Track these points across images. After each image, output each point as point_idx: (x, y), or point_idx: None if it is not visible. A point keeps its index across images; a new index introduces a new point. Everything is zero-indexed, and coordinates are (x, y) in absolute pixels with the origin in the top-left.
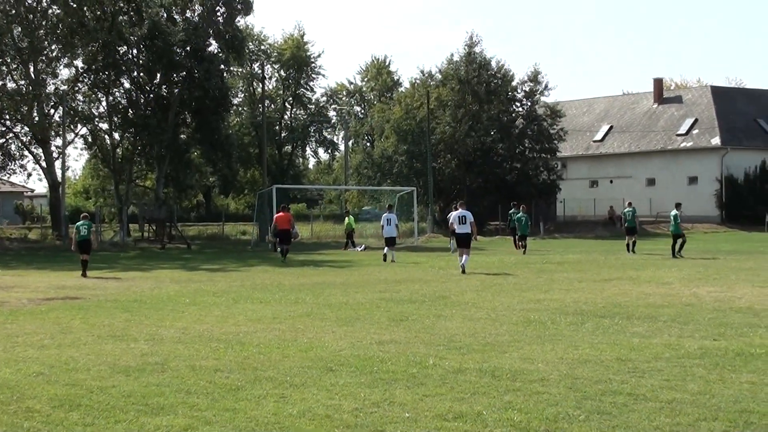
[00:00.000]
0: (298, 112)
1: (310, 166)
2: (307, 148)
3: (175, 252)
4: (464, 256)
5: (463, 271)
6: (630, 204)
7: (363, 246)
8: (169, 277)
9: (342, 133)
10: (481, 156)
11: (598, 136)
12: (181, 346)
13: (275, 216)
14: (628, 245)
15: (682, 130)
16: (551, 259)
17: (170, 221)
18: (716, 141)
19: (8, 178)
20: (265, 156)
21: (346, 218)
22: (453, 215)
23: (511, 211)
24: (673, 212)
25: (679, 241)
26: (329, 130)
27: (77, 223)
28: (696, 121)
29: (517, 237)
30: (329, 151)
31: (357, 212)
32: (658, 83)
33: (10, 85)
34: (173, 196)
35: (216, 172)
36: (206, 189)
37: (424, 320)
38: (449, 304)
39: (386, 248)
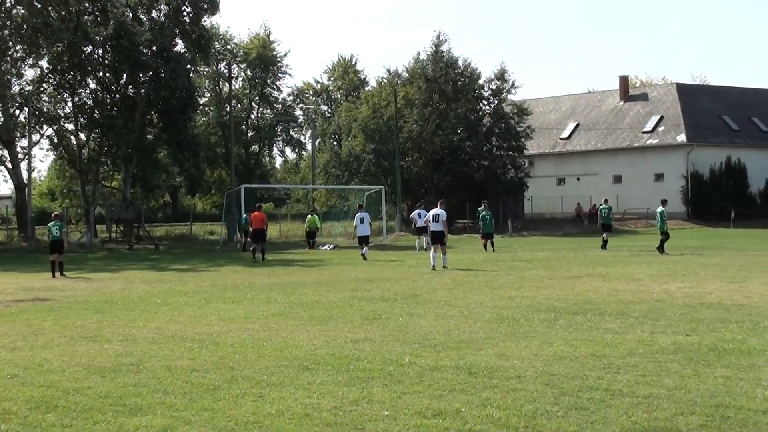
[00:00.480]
0: (264, 111)
1: (277, 165)
2: (274, 148)
3: (143, 252)
4: (440, 254)
5: (439, 268)
6: (606, 201)
7: (332, 245)
8: (139, 277)
9: (309, 133)
10: (449, 154)
11: (565, 134)
12: (156, 346)
13: (250, 215)
14: (604, 241)
15: (648, 127)
16: (521, 257)
17: (137, 222)
18: (682, 138)
19: None
20: (233, 156)
21: (309, 216)
22: (429, 213)
23: (479, 208)
24: (660, 209)
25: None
26: (296, 129)
27: (48, 224)
28: (662, 118)
29: (481, 235)
30: (296, 150)
31: (325, 211)
32: (624, 81)
33: None
34: (140, 196)
35: (183, 172)
36: (173, 189)
37: (398, 318)
38: (421, 302)
39: (361, 247)
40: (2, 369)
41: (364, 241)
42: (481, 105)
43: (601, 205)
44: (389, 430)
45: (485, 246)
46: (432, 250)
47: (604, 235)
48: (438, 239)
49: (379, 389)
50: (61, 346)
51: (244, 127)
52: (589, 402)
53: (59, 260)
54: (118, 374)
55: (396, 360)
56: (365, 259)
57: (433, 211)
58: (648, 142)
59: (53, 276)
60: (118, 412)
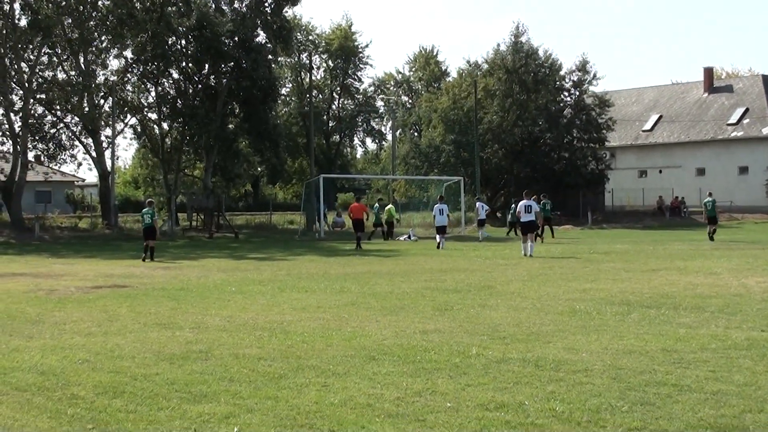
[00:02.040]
0: (345, 102)
1: (358, 155)
2: (355, 138)
3: (222, 241)
4: (529, 243)
5: (526, 255)
6: (710, 194)
7: (413, 235)
8: (216, 265)
9: (389, 123)
10: (529, 146)
11: (647, 126)
12: (226, 334)
13: (351, 206)
14: (709, 234)
15: (733, 119)
16: (598, 249)
17: (218, 210)
18: (767, 131)
19: (59, 167)
20: (313, 145)
21: (386, 207)
22: (520, 204)
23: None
24: (708, 199)
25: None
26: (377, 120)
27: (142, 211)
28: (747, 110)
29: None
30: (376, 140)
31: (404, 201)
32: (709, 72)
33: (61, 75)
34: (221, 185)
35: (264, 161)
36: (254, 178)
37: (469, 310)
38: (494, 293)
39: (438, 236)
40: (74, 354)
41: (441, 231)
42: (562, 96)
43: (706, 198)
44: (451, 422)
45: (535, 236)
46: (522, 240)
47: (709, 227)
48: (530, 229)
49: (444, 381)
50: (133, 332)
51: (325, 117)
52: (655, 397)
53: (151, 245)
54: (187, 361)
55: (463, 351)
56: (438, 248)
57: (523, 203)
58: (732, 134)
59: (143, 260)
60: (183, 399)
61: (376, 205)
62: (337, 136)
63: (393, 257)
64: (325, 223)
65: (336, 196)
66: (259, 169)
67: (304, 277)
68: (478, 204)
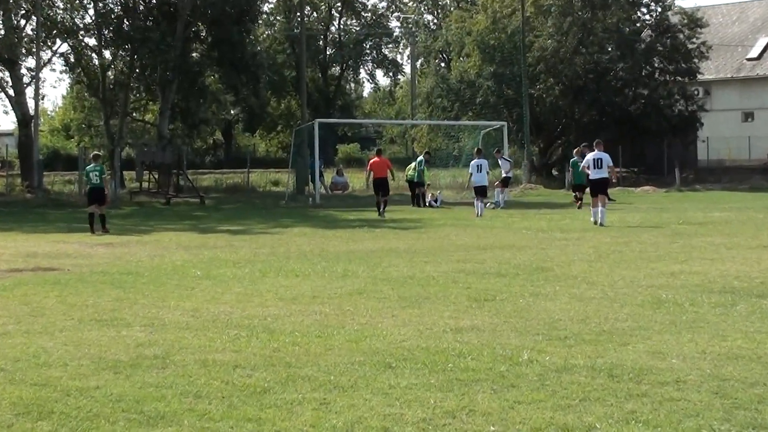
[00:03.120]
0: (349, 22)
1: (365, 94)
2: (361, 71)
3: (183, 208)
4: (600, 208)
5: (597, 223)
6: None
7: (440, 199)
8: (176, 241)
9: (407, 51)
10: (595, 80)
11: (754, 53)
12: (190, 334)
13: (370, 161)
14: None
15: None
16: (690, 218)
17: (178, 168)
18: None
19: None
20: (305, 80)
21: (415, 165)
22: (588, 157)
23: (572, 159)
24: None
25: None
26: (391, 46)
27: (86, 168)
28: None
29: (572, 189)
30: (391, 74)
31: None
32: None
33: None
34: (182, 134)
35: (239, 102)
36: (226, 125)
37: (517, 300)
38: (551, 278)
39: (476, 201)
40: None
41: (480, 193)
42: (638, 13)
43: None
44: None
45: (579, 203)
46: (592, 204)
47: None
48: (602, 189)
49: (486, 396)
50: (65, 331)
51: (321, 43)
52: None
53: (100, 212)
54: (138, 370)
55: (510, 357)
56: (478, 215)
57: (591, 155)
58: None
59: (92, 232)
60: (133, 422)
61: (421, 158)
62: (338, 68)
63: (414, 229)
64: (322, 183)
65: (336, 148)
66: (232, 112)
67: (294, 256)
68: (500, 160)
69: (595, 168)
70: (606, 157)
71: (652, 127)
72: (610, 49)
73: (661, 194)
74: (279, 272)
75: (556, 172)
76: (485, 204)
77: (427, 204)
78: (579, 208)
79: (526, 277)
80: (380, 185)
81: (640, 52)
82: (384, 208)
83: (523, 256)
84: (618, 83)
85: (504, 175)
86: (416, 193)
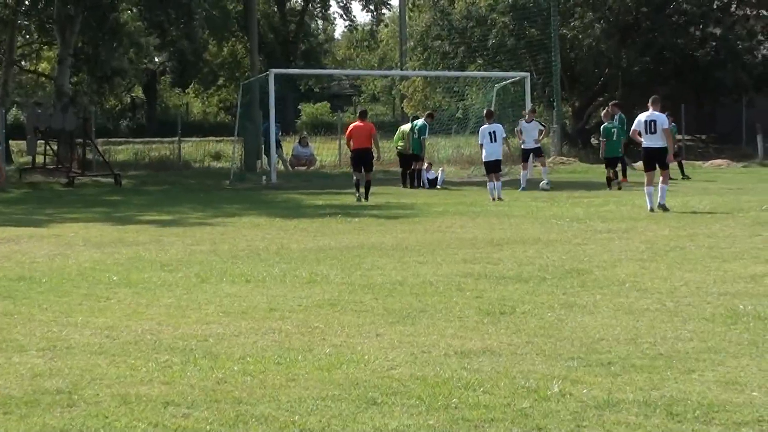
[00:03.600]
0: None
1: (337, 35)
2: (332, 2)
3: (92, 191)
4: (660, 185)
5: (657, 209)
6: None
7: (439, 177)
8: (83, 235)
9: None
10: (648, 16)
11: None
12: (104, 360)
13: (349, 127)
14: None
15: None
16: None
17: (84, 136)
18: None
19: None
20: (255, 16)
21: (409, 130)
22: (639, 118)
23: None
24: None
25: None
26: None
27: None
28: None
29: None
30: (372, 7)
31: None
32: None
33: None
34: (89, 90)
35: (166, 46)
36: (149, 77)
37: (545, 313)
38: (590, 283)
39: (491, 181)
40: None
41: (493, 169)
42: None
43: None
44: None
45: (610, 181)
46: (646, 179)
47: None
48: (657, 159)
49: None
50: None
51: None
52: None
53: None
54: (35, 410)
55: (536, 389)
56: (495, 199)
57: (643, 116)
58: None
59: None
60: None
61: (419, 122)
62: (300, 0)
63: (405, 219)
64: (279, 157)
65: (298, 108)
66: (157, 60)
67: (242, 255)
68: (524, 124)
69: (648, 133)
70: (661, 118)
71: (727, 79)
72: None
73: (739, 169)
74: (223, 277)
75: (597, 141)
76: (501, 184)
77: (422, 184)
78: (618, 188)
79: (556, 282)
80: (362, 158)
81: None
82: (368, 191)
83: (552, 254)
84: (681, 19)
85: (533, 145)
86: (412, 168)
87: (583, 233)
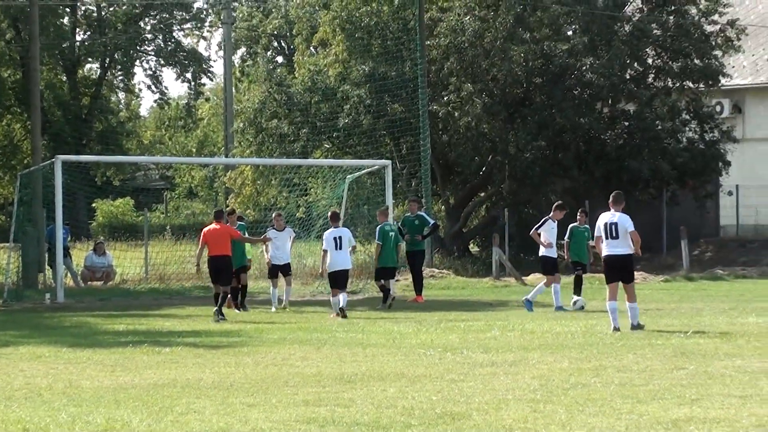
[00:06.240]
0: None
1: (144, 111)
2: (137, 70)
3: None
4: (627, 303)
5: (616, 329)
6: None
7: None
8: None
9: (219, 35)
10: (543, 88)
11: None
12: None
13: (204, 230)
14: None
15: None
16: (706, 327)
17: None
18: None
19: None
20: (38, 88)
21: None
22: (600, 222)
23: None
24: None
25: None
26: (189, 27)
27: None
28: None
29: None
30: (189, 75)
31: (252, 220)
32: None
33: None
34: None
35: None
36: None
37: None
38: (467, 431)
39: (335, 296)
40: None
41: (338, 283)
42: None
43: None
44: None
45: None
46: (608, 294)
47: None
48: (620, 269)
49: None
50: None
51: (67, 20)
52: None
53: None
54: None
55: None
56: (342, 316)
57: (604, 218)
58: None
59: None
60: None
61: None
62: (97, 66)
63: (230, 347)
64: (68, 269)
65: (92, 207)
66: None
67: (19, 396)
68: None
69: (609, 237)
70: (625, 220)
71: (643, 169)
72: (571, 32)
73: (658, 284)
74: None
75: (477, 248)
76: (346, 297)
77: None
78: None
79: (425, 429)
80: (220, 268)
81: (622, 39)
82: (221, 304)
83: (419, 393)
84: (584, 93)
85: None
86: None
87: (459, 366)
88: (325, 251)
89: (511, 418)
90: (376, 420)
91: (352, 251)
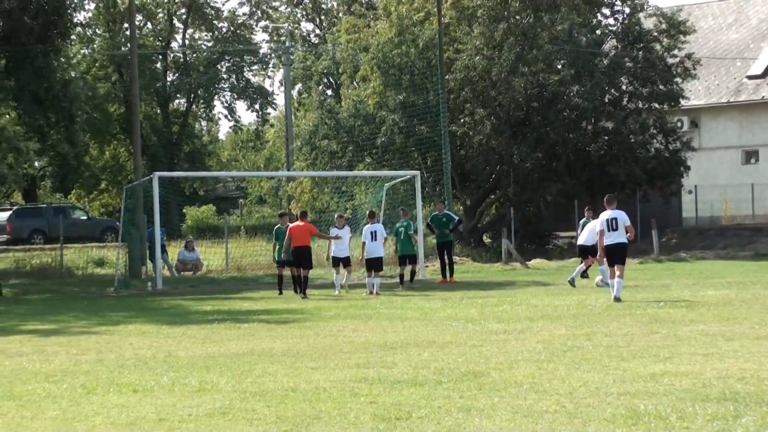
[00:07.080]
0: (198, 35)
1: (222, 135)
2: (216, 103)
3: None
4: (617, 279)
5: (618, 299)
6: None
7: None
8: None
9: (280, 74)
10: (539, 111)
11: (758, 68)
12: None
13: (291, 226)
14: None
15: None
16: (673, 298)
17: None
18: None
19: None
20: (138, 118)
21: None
22: (600, 219)
23: (582, 220)
24: None
25: None
26: (256, 68)
27: None
28: None
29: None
30: (257, 106)
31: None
32: None
33: None
34: None
35: (47, 150)
36: (29, 182)
37: (441, 418)
38: (488, 386)
39: (370, 277)
40: None
41: (373, 266)
42: (599, 17)
43: None
44: None
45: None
46: (609, 273)
47: None
48: (621, 258)
49: None
50: None
51: (160, 65)
52: None
53: None
54: None
55: None
56: (371, 293)
57: (605, 215)
58: None
59: None
60: None
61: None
62: (183, 101)
63: (294, 323)
64: (165, 262)
65: (183, 212)
66: (37, 164)
67: (129, 364)
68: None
69: (610, 230)
70: (622, 216)
71: (620, 174)
72: (560, 66)
73: (635, 266)
74: (110, 387)
75: (489, 239)
76: (380, 280)
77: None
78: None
79: (453, 385)
80: (301, 256)
81: (602, 70)
82: (305, 286)
83: (448, 356)
84: (572, 114)
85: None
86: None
87: (478, 334)
88: (364, 243)
89: (522, 375)
90: (413, 378)
91: (384, 242)
